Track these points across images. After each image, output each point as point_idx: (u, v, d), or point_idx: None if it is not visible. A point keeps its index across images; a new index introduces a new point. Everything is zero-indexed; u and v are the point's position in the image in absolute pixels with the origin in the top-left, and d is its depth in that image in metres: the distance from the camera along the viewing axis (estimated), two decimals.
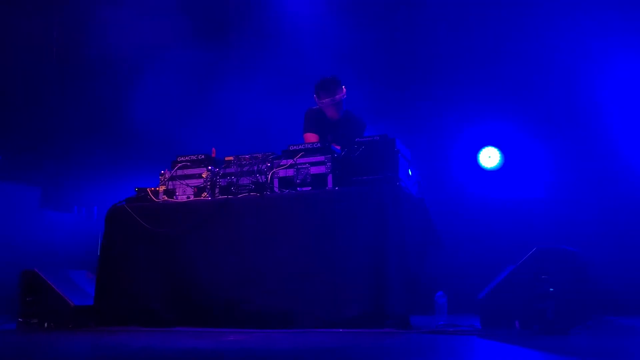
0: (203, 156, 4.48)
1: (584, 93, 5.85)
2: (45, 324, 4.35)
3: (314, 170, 4.15)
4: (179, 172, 4.49)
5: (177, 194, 4.46)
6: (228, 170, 4.37)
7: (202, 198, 4.37)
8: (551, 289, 3.40)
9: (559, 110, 5.94)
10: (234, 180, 4.32)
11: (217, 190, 4.36)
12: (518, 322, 3.48)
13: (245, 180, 4.30)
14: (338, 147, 4.28)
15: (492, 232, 5.61)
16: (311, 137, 4.94)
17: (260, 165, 4.28)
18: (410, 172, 4.25)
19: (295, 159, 4.20)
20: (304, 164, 4.18)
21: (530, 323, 3.44)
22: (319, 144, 4.25)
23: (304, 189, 4.14)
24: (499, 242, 5.42)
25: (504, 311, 3.58)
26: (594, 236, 5.14)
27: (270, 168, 4.24)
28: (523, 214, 5.65)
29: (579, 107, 5.87)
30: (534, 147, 6.03)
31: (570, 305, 3.41)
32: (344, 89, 5.00)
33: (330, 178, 4.10)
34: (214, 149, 4.54)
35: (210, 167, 4.40)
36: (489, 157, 6.22)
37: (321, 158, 4.15)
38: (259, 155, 4.33)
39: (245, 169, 4.32)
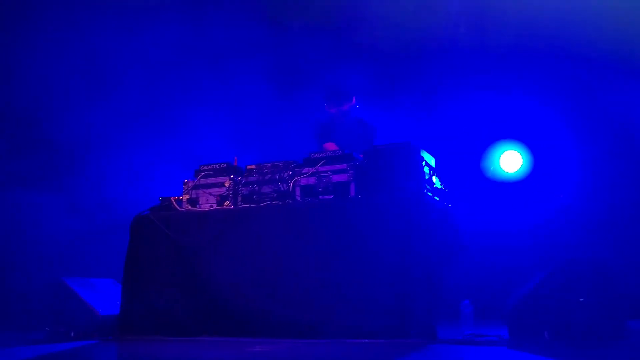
0: (225, 165, 4.48)
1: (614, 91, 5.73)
2: (72, 333, 4.39)
3: (336, 178, 4.12)
4: (202, 181, 4.49)
5: (200, 202, 4.47)
6: (250, 179, 4.36)
7: (224, 207, 4.36)
8: (581, 299, 3.32)
9: (587, 111, 5.83)
10: (256, 188, 4.31)
11: (239, 199, 4.35)
12: (547, 333, 3.42)
13: (267, 189, 4.29)
14: (360, 155, 4.24)
15: (520, 240, 5.52)
16: (331, 146, 4.91)
17: (282, 174, 4.26)
18: (434, 180, 4.19)
19: (317, 167, 4.17)
20: (326, 172, 4.15)
21: (560, 334, 3.37)
22: (340, 152, 4.22)
23: (326, 197, 4.11)
24: (527, 250, 5.33)
25: (532, 321, 3.52)
26: (624, 243, 5.03)
27: (292, 176, 4.22)
28: (551, 221, 5.55)
29: (611, 106, 5.74)
30: (559, 151, 5.93)
31: (601, 316, 3.34)
32: (354, 99, 5.03)
33: (352, 186, 4.06)
34: (235, 158, 4.54)
35: (232, 176, 4.40)
36: (511, 162, 6.18)
37: (343, 166, 4.11)
38: (281, 164, 4.31)
39: (267, 177, 4.30)
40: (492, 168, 6.25)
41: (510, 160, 6.20)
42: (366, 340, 3.66)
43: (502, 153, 6.23)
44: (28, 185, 6.38)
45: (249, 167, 4.42)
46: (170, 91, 6.86)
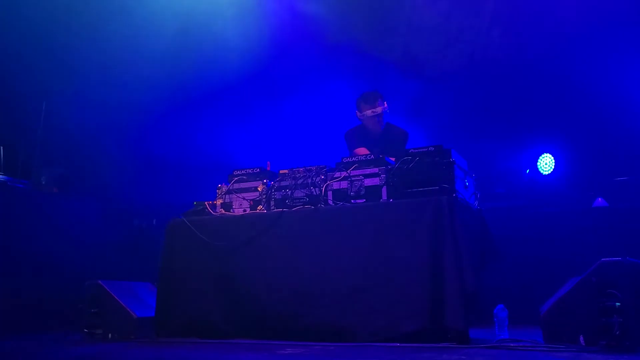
0: (258, 169, 4.53)
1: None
2: (109, 335, 4.48)
3: (368, 182, 4.13)
4: (235, 186, 4.55)
5: (234, 207, 4.53)
6: (283, 183, 4.40)
7: (258, 211, 4.41)
8: (618, 304, 3.25)
9: (618, 114, 5.77)
10: (289, 193, 4.35)
11: (272, 203, 4.40)
12: (582, 338, 3.36)
13: (299, 193, 4.32)
14: (392, 159, 4.25)
15: (555, 243, 5.44)
16: (363, 151, 4.93)
17: (314, 178, 4.29)
18: (466, 183, 4.17)
19: (349, 171, 4.19)
20: (358, 176, 4.16)
21: (596, 339, 3.30)
22: (372, 156, 4.23)
23: (358, 201, 4.12)
24: (562, 254, 5.24)
25: (567, 326, 3.46)
26: None
27: (324, 181, 4.25)
28: (588, 224, 5.45)
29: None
30: (594, 155, 5.89)
31: (638, 320, 3.26)
32: (386, 104, 5.06)
33: (384, 190, 4.07)
34: (268, 162, 4.59)
35: (265, 180, 4.45)
36: (546, 164, 6.35)
37: (375, 170, 4.12)
38: (313, 168, 4.34)
39: (299, 181, 4.34)
40: (528, 171, 6.36)
41: (545, 163, 6.31)
42: (398, 344, 3.65)
43: (538, 156, 6.35)
44: (68, 189, 6.55)
45: (281, 171, 4.46)
46: (205, 97, 6.97)
